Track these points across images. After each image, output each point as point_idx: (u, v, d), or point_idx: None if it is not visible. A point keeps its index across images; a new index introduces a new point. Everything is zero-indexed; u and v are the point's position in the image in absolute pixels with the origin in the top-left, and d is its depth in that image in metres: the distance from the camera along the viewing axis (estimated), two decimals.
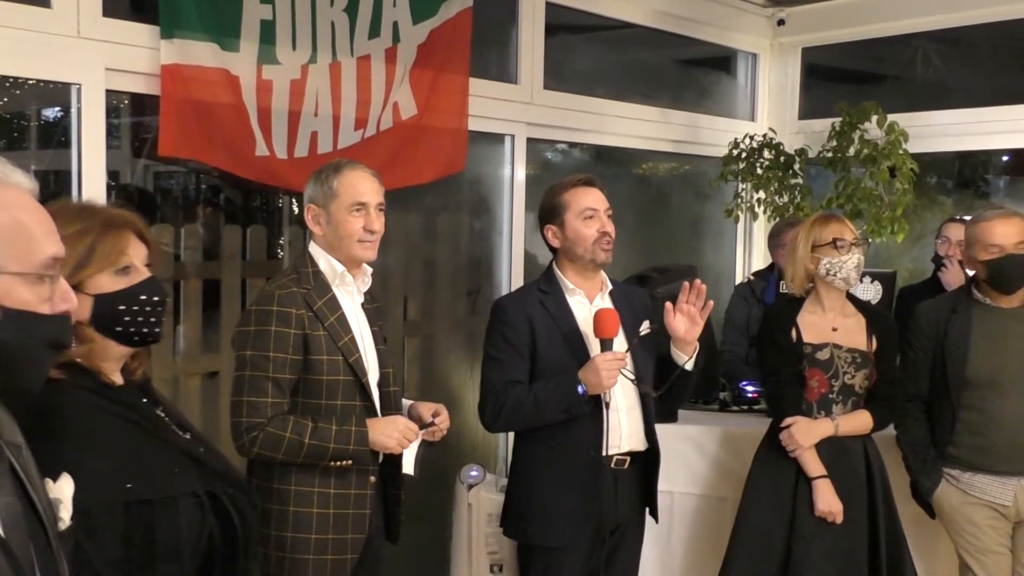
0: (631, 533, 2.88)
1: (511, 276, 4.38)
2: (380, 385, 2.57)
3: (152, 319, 1.66)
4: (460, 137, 4.01)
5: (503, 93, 4.29)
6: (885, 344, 3.03)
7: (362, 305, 2.59)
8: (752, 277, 4.48)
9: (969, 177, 5.52)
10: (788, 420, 2.97)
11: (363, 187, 2.48)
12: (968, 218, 4.30)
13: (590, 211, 2.73)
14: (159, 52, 3.08)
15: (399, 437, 2.42)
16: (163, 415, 1.72)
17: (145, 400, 1.72)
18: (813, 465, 2.94)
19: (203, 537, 1.60)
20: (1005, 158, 5.32)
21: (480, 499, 3.59)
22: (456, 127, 3.99)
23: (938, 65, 5.35)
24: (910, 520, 3.31)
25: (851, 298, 3.10)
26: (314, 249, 2.54)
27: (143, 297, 1.65)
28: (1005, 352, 2.97)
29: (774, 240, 4.31)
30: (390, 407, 2.57)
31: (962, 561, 3.08)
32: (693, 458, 3.57)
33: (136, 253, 1.67)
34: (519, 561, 2.88)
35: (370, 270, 2.60)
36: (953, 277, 4.13)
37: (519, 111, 4.35)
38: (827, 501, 2.91)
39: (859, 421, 2.99)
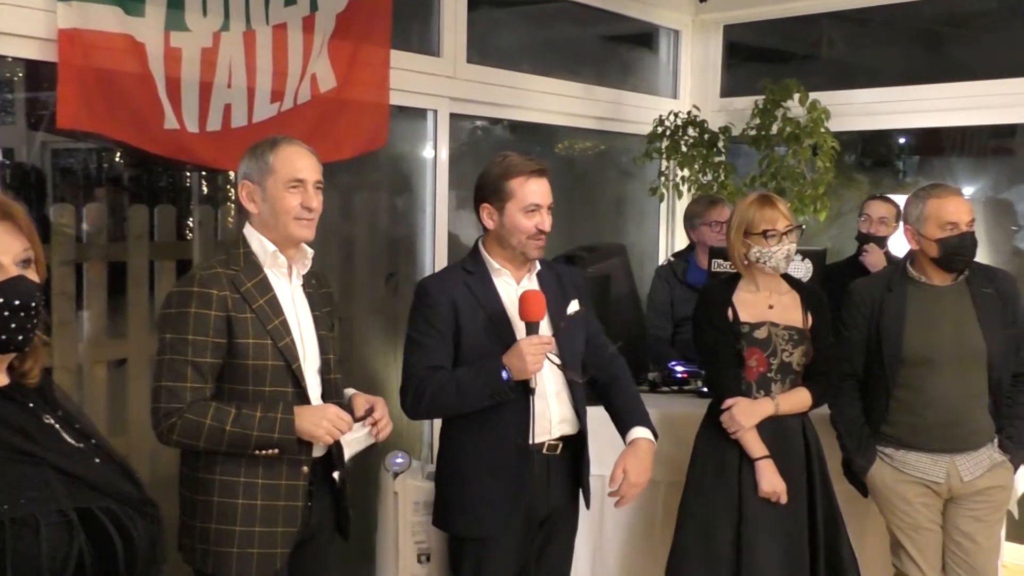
0: (564, 520, 2.81)
1: (434, 257, 4.26)
2: (322, 372, 2.43)
3: (12, 324, 1.47)
4: (381, 112, 3.86)
5: (425, 66, 4.15)
6: (819, 320, 3.01)
7: (304, 288, 2.45)
8: (672, 258, 4.43)
9: (884, 155, 5.59)
10: (728, 402, 2.92)
11: (301, 163, 2.36)
12: (890, 196, 4.36)
13: (534, 206, 2.62)
14: (55, 15, 2.86)
15: (328, 427, 2.28)
16: (54, 422, 1.54)
17: (32, 405, 1.53)
18: (755, 446, 2.90)
19: (71, 560, 1.40)
20: (902, 140, 5.40)
21: (406, 487, 3.47)
22: (377, 101, 3.84)
23: (851, 45, 5.40)
24: (842, 498, 3.31)
25: (784, 275, 3.06)
26: (248, 229, 2.40)
27: (1, 300, 1.46)
28: (939, 330, 2.97)
29: (692, 219, 4.27)
30: (331, 395, 2.43)
31: (893, 538, 3.09)
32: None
33: (5, 249, 1.49)
34: (450, 552, 2.78)
35: (311, 252, 2.46)
36: (874, 256, 4.17)
37: (442, 85, 4.21)
38: (771, 482, 2.88)
39: (798, 399, 2.97)
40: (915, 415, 2.98)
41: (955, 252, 2.94)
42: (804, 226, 3.19)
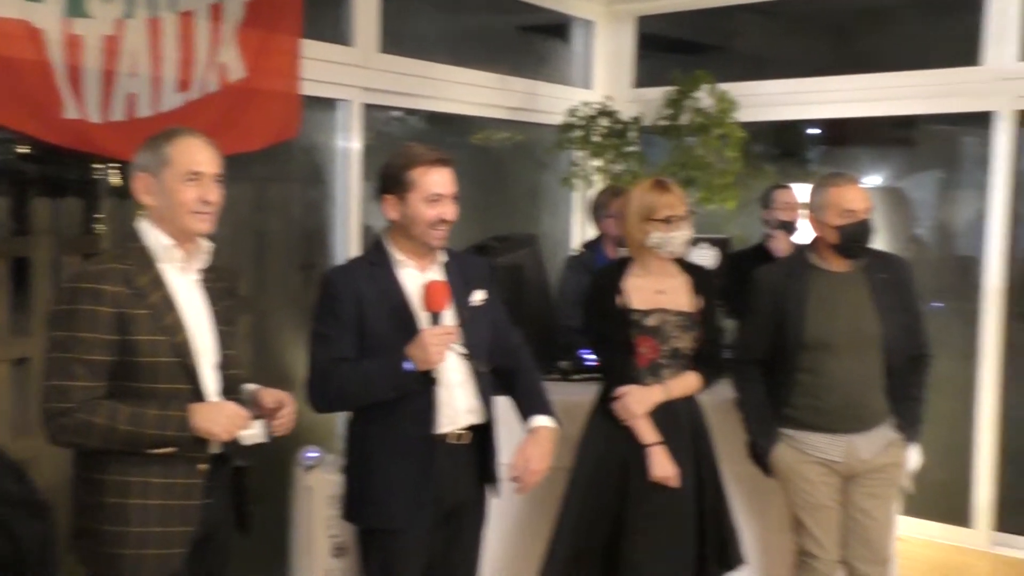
0: (473, 510, 2.81)
1: (347, 249, 4.23)
2: (222, 368, 2.40)
3: None
4: (292, 101, 3.82)
5: (337, 56, 4.11)
6: (708, 303, 3.08)
7: (204, 283, 2.41)
8: (583, 248, 4.49)
9: (791, 145, 5.73)
10: (621, 390, 2.98)
11: (199, 155, 2.31)
12: (794, 184, 4.48)
13: (435, 196, 2.61)
14: None
15: (226, 424, 2.25)
16: None
17: None
18: (648, 433, 2.97)
19: None
20: (810, 130, 5.54)
21: (319, 481, 3.46)
22: (287, 91, 3.80)
23: (762, 37, 5.51)
24: (746, 479, 3.41)
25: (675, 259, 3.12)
26: (142, 223, 2.34)
27: None
28: (838, 315, 3.06)
29: (599, 211, 4.32)
30: (231, 392, 2.40)
31: (795, 517, 3.18)
32: None
33: None
34: (359, 546, 2.77)
35: (209, 245, 2.41)
36: (781, 243, 4.28)
37: (354, 75, 4.18)
38: (663, 467, 2.94)
39: (688, 383, 3.05)
40: (816, 397, 3.07)
41: (853, 239, 3.04)
42: (704, 206, 3.25)
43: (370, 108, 4.34)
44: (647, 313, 3.00)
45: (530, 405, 2.79)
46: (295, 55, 3.81)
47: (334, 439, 4.13)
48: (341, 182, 4.29)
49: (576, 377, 3.88)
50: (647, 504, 2.97)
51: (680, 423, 3.04)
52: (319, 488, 3.43)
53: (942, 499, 4.73)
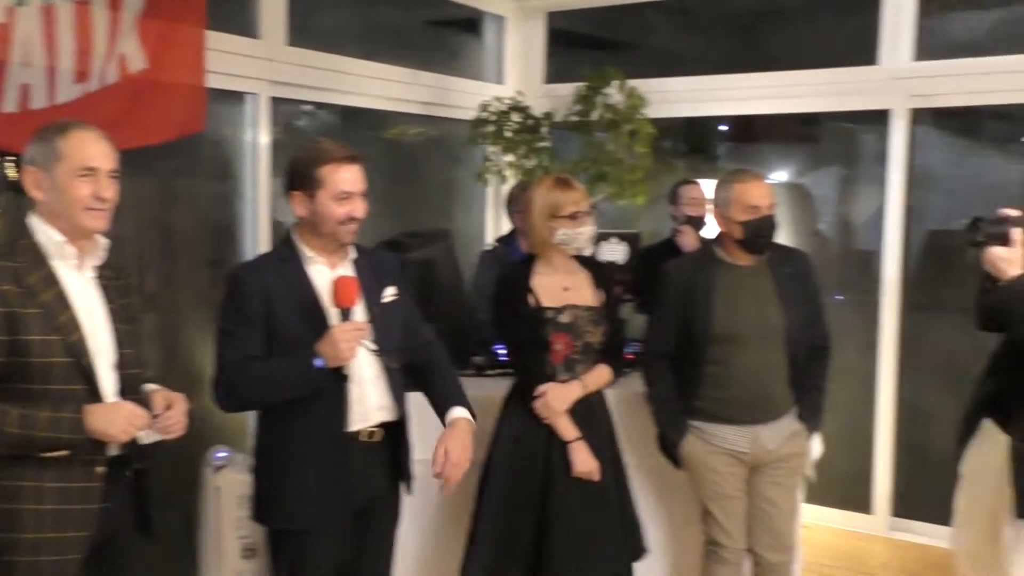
0: (386, 508, 2.79)
1: (257, 245, 4.16)
2: (119, 368, 2.32)
3: None
4: (197, 94, 3.73)
5: (243, 48, 4.03)
6: (609, 295, 3.12)
7: (100, 280, 2.33)
8: (496, 243, 4.50)
9: (700, 142, 5.83)
10: (541, 388, 3.00)
11: (93, 150, 2.23)
12: (700, 180, 4.56)
13: (344, 193, 2.57)
14: None
15: (123, 424, 2.18)
16: None
17: None
18: (568, 429, 2.99)
19: None
20: (722, 127, 5.65)
21: (229, 481, 3.39)
22: (192, 83, 3.70)
23: (671, 34, 5.59)
24: (656, 472, 3.46)
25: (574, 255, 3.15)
26: (33, 219, 2.26)
27: None
28: (744, 308, 3.12)
29: (514, 205, 4.34)
30: (131, 392, 2.33)
31: (703, 507, 3.24)
32: None
33: None
34: (270, 547, 2.72)
35: (105, 242, 2.34)
36: (688, 238, 4.35)
37: (261, 68, 4.11)
38: (585, 461, 2.98)
39: (601, 376, 3.09)
40: (723, 389, 3.13)
41: (757, 234, 3.10)
42: (614, 201, 3.28)
43: (278, 102, 4.27)
44: (560, 310, 3.02)
45: (446, 399, 2.77)
46: (200, 47, 3.72)
47: (245, 438, 4.06)
48: (250, 177, 4.22)
49: (491, 372, 3.89)
50: (571, 500, 2.99)
51: (596, 417, 3.08)
52: (228, 489, 3.37)
53: (844, 487, 4.89)
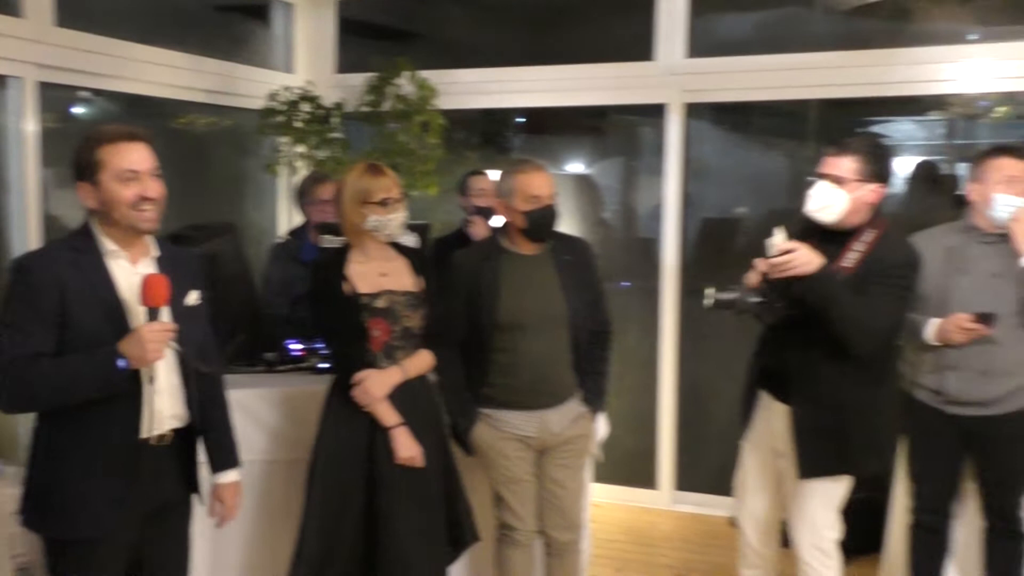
0: (178, 511, 2.70)
1: (27, 240, 3.89)
2: None
3: None
4: None
5: (5, 28, 3.75)
6: (429, 282, 3.14)
7: None
8: (288, 236, 4.42)
9: (493, 133, 5.92)
10: (358, 376, 2.97)
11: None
12: (489, 171, 4.65)
13: (130, 173, 2.43)
14: None
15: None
16: None
17: None
18: (389, 415, 2.98)
19: None
20: (520, 119, 5.78)
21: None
22: None
23: (464, 26, 5.65)
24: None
25: (390, 243, 3.16)
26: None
27: None
28: (529, 296, 3.20)
29: (303, 197, 4.28)
30: None
31: (495, 492, 3.31)
32: (244, 424, 3.43)
33: None
34: (48, 558, 2.56)
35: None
36: (479, 228, 4.43)
37: (26, 50, 3.84)
38: (407, 447, 2.96)
39: (422, 361, 3.09)
40: (510, 376, 3.20)
41: (539, 222, 3.19)
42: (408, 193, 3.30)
43: (47, 87, 4.01)
44: (375, 296, 3.01)
45: (222, 460, 2.78)
46: None
47: (16, 447, 3.80)
48: (16, 167, 3.93)
49: (282, 368, 3.82)
50: (398, 489, 2.98)
51: (418, 402, 3.07)
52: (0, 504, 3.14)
53: (631, 465, 5.12)
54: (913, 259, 3.04)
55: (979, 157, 3.33)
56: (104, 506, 2.46)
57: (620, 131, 5.59)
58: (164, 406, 2.54)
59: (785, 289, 2.93)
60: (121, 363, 2.35)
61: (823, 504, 3.11)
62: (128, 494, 2.48)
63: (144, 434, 2.48)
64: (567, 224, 5.07)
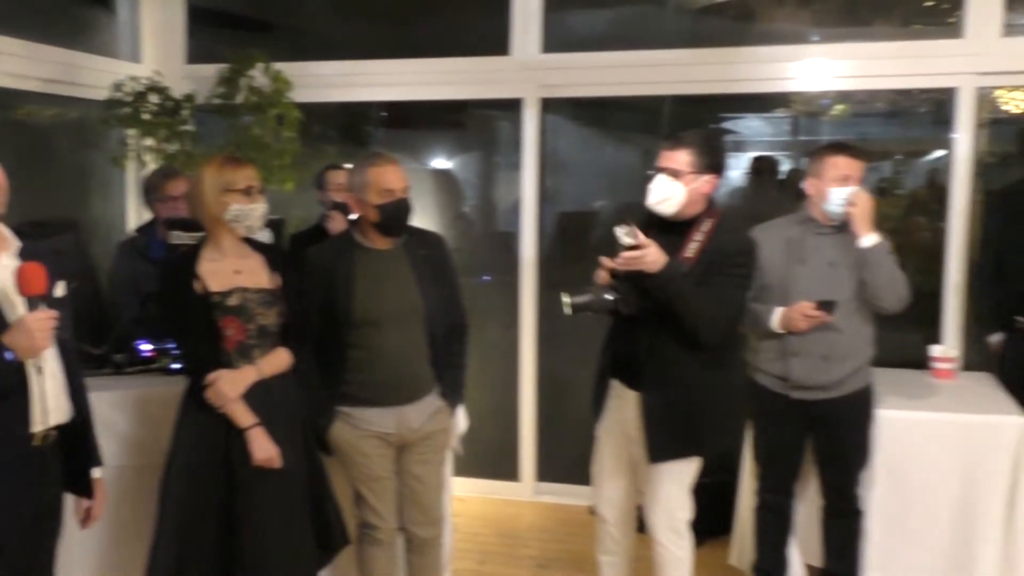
0: (53, 516, 2.62)
1: None
2: None
3: None
4: None
5: None
6: (287, 279, 3.07)
7: None
8: (135, 233, 4.25)
9: (352, 127, 5.84)
10: (211, 376, 2.88)
11: None
12: (347, 165, 4.58)
13: None
14: None
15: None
16: None
17: None
18: (244, 416, 2.89)
19: None
20: (383, 113, 5.72)
21: None
22: None
23: (322, 17, 5.56)
24: None
25: (245, 239, 3.08)
26: None
27: None
28: (384, 292, 3.17)
29: (151, 193, 4.12)
30: None
31: (356, 491, 3.28)
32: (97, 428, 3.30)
33: None
34: None
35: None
36: (337, 223, 4.36)
37: None
38: (264, 448, 2.89)
39: (279, 360, 3.01)
40: (368, 373, 3.17)
41: (392, 216, 3.16)
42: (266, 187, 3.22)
43: None
44: (227, 294, 2.92)
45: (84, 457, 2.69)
46: None
47: None
48: None
49: (131, 370, 3.70)
50: (257, 493, 2.90)
51: (277, 402, 2.99)
52: None
53: (493, 458, 5.16)
54: (749, 247, 3.17)
55: (816, 153, 3.49)
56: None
57: (480, 126, 5.61)
58: (51, 398, 2.49)
59: (636, 282, 3.00)
60: (8, 355, 2.31)
61: (675, 486, 3.21)
62: (21, 497, 2.43)
63: (35, 428, 2.43)
64: (428, 219, 5.07)
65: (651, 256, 2.93)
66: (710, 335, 3.02)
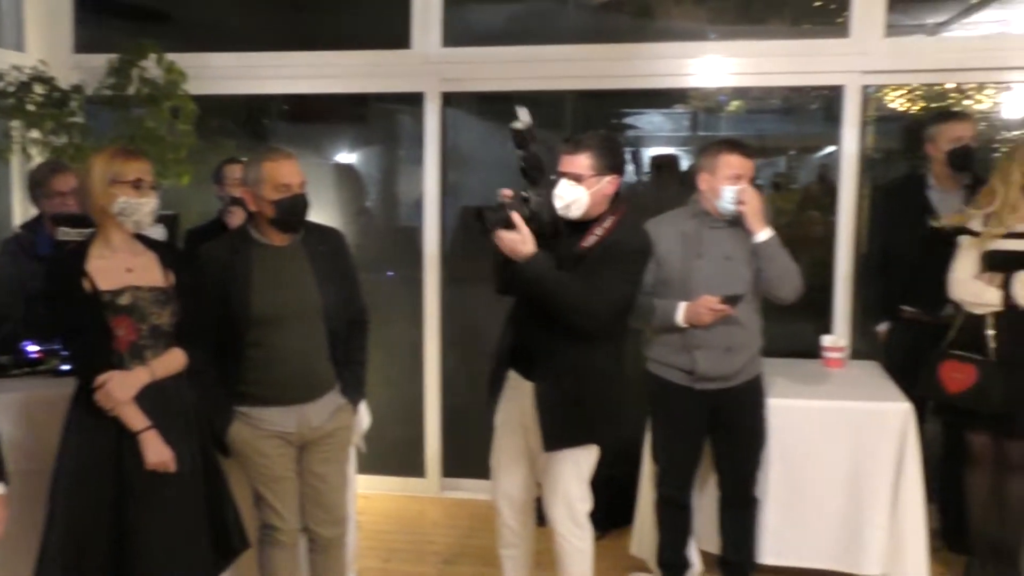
0: None
1: None
2: None
3: None
4: None
5: None
6: (181, 277, 2.99)
7: None
8: (20, 229, 4.09)
9: (252, 120, 5.73)
10: (101, 378, 2.79)
11: None
12: (244, 159, 4.49)
13: None
14: None
15: None
16: None
17: None
18: (135, 419, 2.81)
19: None
20: (284, 106, 5.63)
21: None
22: None
23: (215, 7, 5.43)
24: None
25: (140, 236, 3.00)
26: None
27: None
28: (282, 289, 3.11)
29: (37, 188, 3.97)
30: None
31: (256, 492, 3.22)
32: None
33: None
34: None
35: None
36: (236, 219, 4.28)
37: None
38: (157, 452, 2.81)
39: (173, 361, 2.94)
40: (267, 371, 3.11)
41: (289, 212, 3.10)
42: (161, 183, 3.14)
43: None
44: (118, 292, 2.83)
45: None
46: None
47: None
48: None
49: (17, 372, 3.57)
50: (151, 499, 2.81)
51: (171, 404, 2.91)
52: None
53: (398, 454, 5.14)
54: (645, 246, 3.24)
55: (708, 149, 3.56)
56: None
57: (382, 120, 5.57)
58: None
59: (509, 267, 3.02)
60: None
61: (573, 476, 3.24)
62: None
63: None
64: (330, 214, 5.01)
65: (522, 241, 2.95)
66: (584, 324, 3.05)
